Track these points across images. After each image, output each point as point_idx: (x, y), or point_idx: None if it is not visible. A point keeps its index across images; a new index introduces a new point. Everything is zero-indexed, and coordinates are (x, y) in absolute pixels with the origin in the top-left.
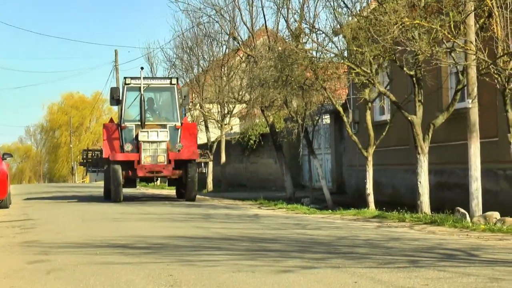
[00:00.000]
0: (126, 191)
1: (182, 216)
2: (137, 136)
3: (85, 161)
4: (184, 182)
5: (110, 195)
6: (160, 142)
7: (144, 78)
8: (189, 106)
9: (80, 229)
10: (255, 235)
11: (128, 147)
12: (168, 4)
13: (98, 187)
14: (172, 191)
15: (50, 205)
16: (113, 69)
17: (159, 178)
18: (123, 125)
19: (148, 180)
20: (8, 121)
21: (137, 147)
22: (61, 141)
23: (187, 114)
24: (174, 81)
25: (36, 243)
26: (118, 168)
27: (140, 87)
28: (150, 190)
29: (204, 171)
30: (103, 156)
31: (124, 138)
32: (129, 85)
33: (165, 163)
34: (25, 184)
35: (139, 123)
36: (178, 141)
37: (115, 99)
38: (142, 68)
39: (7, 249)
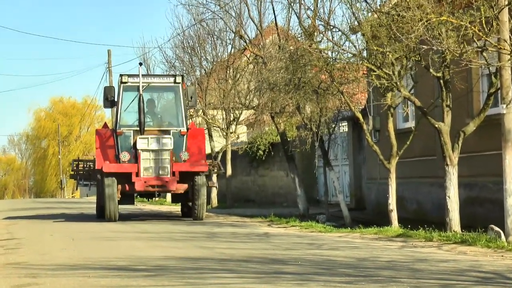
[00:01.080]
0: (122, 207)
1: (183, 235)
2: (135, 143)
3: (75, 173)
4: (190, 198)
5: (103, 214)
6: (162, 150)
7: (143, 75)
8: (191, 113)
9: (70, 249)
10: (266, 256)
11: (124, 156)
12: None
13: (89, 202)
14: (173, 208)
15: (36, 223)
16: (106, 71)
17: (160, 194)
18: (119, 131)
19: (148, 195)
20: None
21: (135, 157)
22: (49, 151)
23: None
24: (178, 79)
25: (22, 264)
26: (113, 181)
27: (138, 86)
28: (147, 206)
29: (215, 186)
30: (96, 167)
31: (120, 146)
32: (126, 84)
33: (169, 175)
34: (8, 199)
35: (138, 128)
36: (183, 150)
37: (110, 101)
38: (140, 63)
39: None
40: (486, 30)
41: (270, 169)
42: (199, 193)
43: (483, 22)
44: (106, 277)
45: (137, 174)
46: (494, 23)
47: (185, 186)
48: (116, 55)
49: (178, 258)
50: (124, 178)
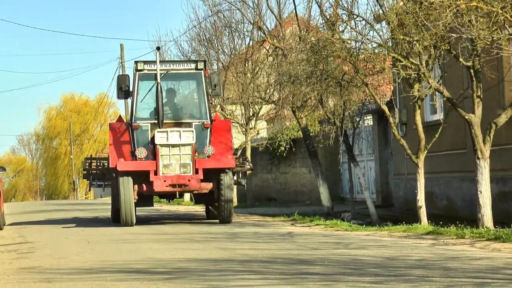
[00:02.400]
0: (139, 209)
1: (204, 236)
2: (153, 138)
3: (88, 172)
4: (216, 198)
5: (119, 218)
6: (183, 145)
7: (161, 62)
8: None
9: (86, 252)
10: (290, 257)
11: (141, 153)
12: None
13: (104, 204)
14: (191, 208)
15: (50, 226)
16: (119, 66)
17: (182, 194)
18: (134, 124)
19: (168, 196)
20: None
21: (153, 153)
22: (61, 151)
23: None
24: (200, 65)
25: (36, 269)
26: (129, 181)
27: (156, 74)
28: (165, 207)
29: (244, 184)
30: (110, 166)
31: (136, 142)
32: (142, 72)
33: (191, 173)
34: (18, 202)
35: (156, 121)
36: (207, 144)
37: (124, 91)
38: (158, 48)
39: (3, 277)
40: None
41: (292, 166)
42: (226, 193)
43: None
44: (124, 280)
45: (156, 173)
46: None
47: (210, 185)
48: (130, 49)
49: (199, 260)
50: (141, 177)
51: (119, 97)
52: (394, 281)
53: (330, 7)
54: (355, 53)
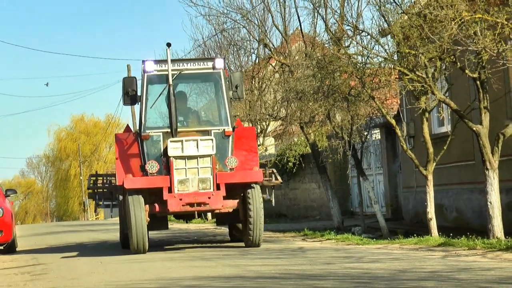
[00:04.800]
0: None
1: (215, 254)
2: (166, 149)
3: (94, 191)
4: (242, 217)
5: (129, 243)
6: (201, 157)
7: (173, 61)
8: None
9: (99, 273)
10: (302, 272)
11: (152, 167)
12: (185, 8)
13: (114, 224)
14: (202, 225)
15: (61, 247)
16: None
17: (202, 214)
18: (144, 134)
19: (186, 217)
20: (7, 152)
21: (166, 167)
22: (71, 173)
23: None
24: (219, 63)
25: None
26: (139, 200)
27: (167, 76)
28: (175, 225)
29: (271, 200)
30: (117, 183)
31: (147, 154)
32: (151, 74)
33: (211, 189)
34: (29, 224)
35: (168, 130)
36: (229, 155)
37: (131, 96)
38: (168, 44)
39: None
40: None
41: (302, 181)
42: (255, 211)
43: None
44: None
45: (170, 190)
46: None
47: (234, 202)
48: (137, 70)
49: (211, 278)
50: (153, 196)
51: (125, 103)
52: None
53: (335, 23)
54: (361, 68)
